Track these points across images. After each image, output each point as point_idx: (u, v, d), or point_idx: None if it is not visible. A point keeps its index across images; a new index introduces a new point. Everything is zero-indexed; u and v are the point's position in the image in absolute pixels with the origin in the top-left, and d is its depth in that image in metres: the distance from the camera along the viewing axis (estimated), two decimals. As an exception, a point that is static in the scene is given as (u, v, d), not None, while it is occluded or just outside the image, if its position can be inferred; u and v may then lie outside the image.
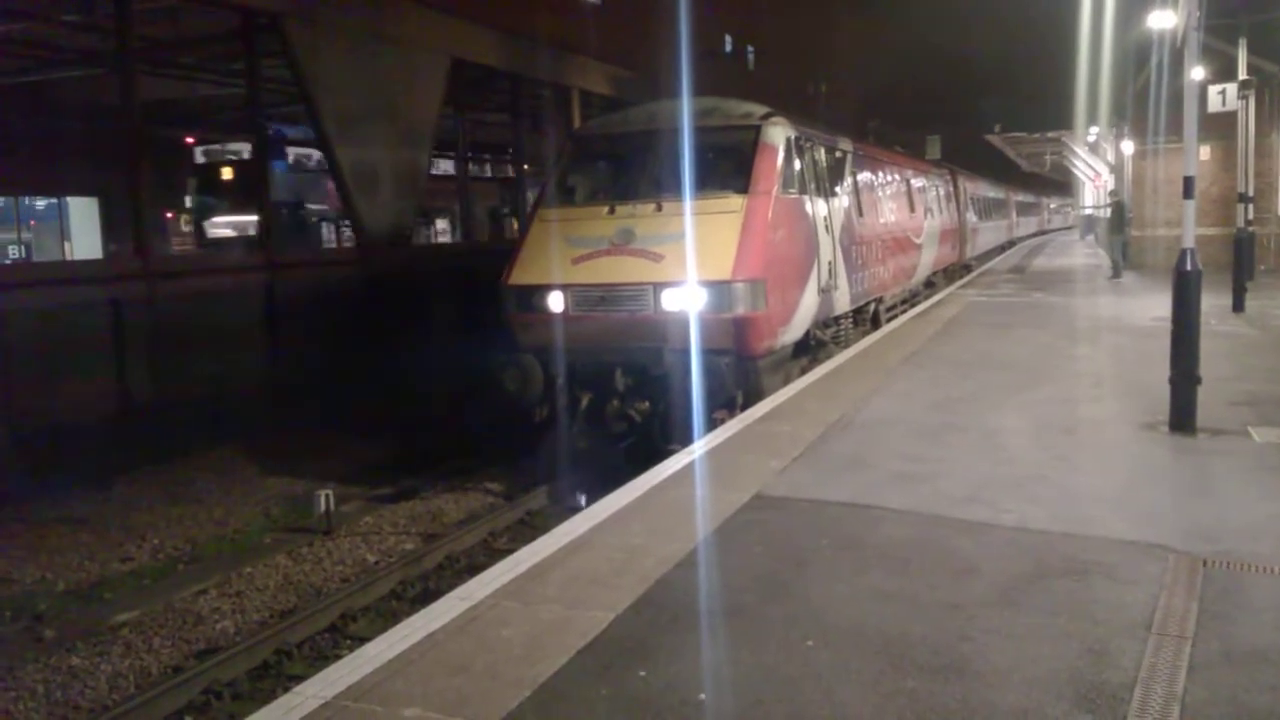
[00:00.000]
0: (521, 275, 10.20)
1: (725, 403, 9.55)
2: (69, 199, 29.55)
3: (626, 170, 10.83)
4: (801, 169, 11.01)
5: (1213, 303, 13.87)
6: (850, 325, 13.21)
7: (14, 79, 20.72)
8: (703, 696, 3.72)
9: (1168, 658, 3.92)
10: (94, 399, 11.79)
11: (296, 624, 7.39)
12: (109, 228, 27.76)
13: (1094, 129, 36.56)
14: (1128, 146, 27.63)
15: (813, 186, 11.35)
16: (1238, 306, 15.30)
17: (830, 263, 11.53)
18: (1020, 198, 49.00)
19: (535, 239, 10.40)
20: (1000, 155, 53.38)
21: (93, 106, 21.88)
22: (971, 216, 27.41)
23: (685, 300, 9.40)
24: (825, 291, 11.36)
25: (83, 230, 29.67)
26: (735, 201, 9.84)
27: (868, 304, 14.26)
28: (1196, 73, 8.50)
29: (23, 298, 11.30)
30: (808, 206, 11.05)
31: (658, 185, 10.17)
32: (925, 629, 4.23)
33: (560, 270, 9.88)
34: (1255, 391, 9.11)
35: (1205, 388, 7.78)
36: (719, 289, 9.35)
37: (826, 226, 11.58)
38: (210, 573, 8.77)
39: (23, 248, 29.71)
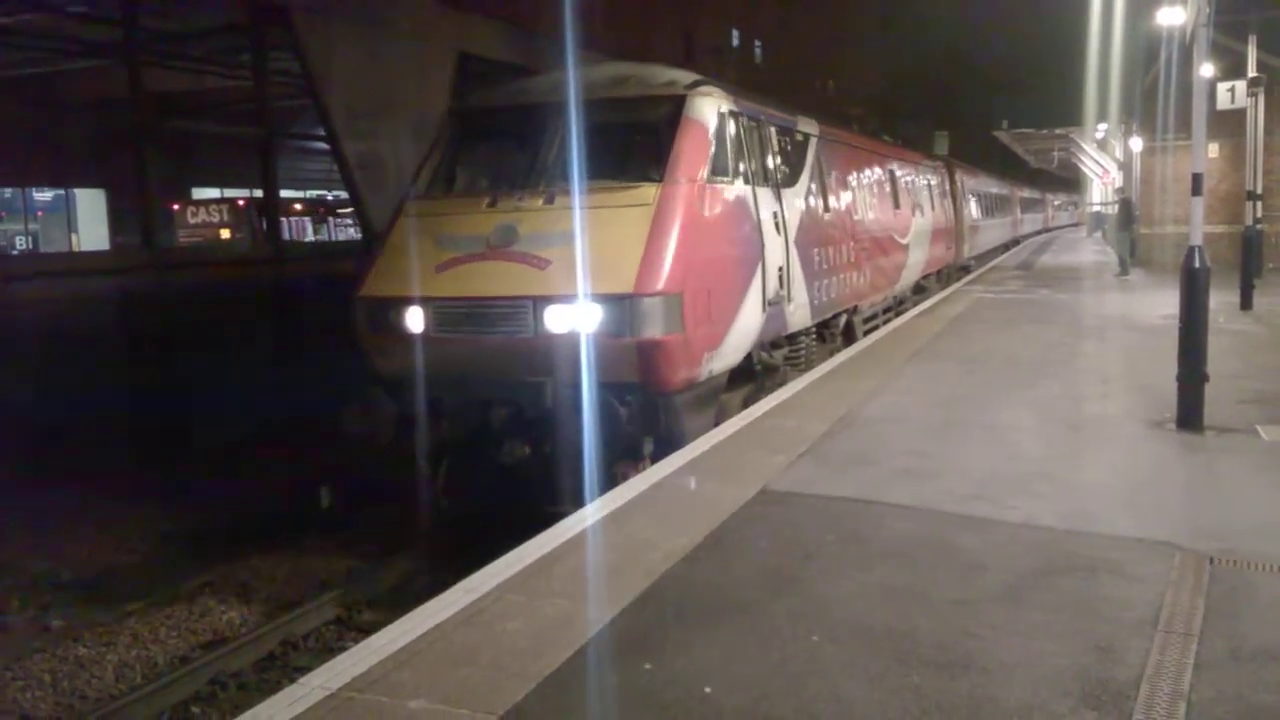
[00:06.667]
0: (375, 285, 8.22)
1: (629, 452, 7.65)
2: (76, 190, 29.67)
3: (516, 153, 8.84)
4: (742, 152, 8.98)
5: (1221, 300, 13.87)
6: (813, 343, 11.12)
7: (21, 71, 20.75)
8: (708, 690, 3.72)
9: (1174, 655, 3.91)
10: (101, 391, 11.80)
11: (303, 615, 7.42)
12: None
13: (1102, 126, 36.50)
14: (1136, 143, 27.56)
15: (758, 174, 9.28)
16: (1246, 304, 15.27)
17: (781, 269, 9.46)
18: (1026, 194, 48.54)
19: (397, 240, 8.44)
20: (1008, 152, 53.32)
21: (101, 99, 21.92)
22: (970, 213, 25.90)
23: (576, 320, 7.41)
24: (774, 304, 9.25)
25: (89, 222, 29.79)
26: (646, 192, 7.82)
27: (837, 316, 12.21)
28: (1206, 70, 8.48)
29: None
30: (749, 199, 8.93)
31: (551, 172, 8.20)
32: (931, 625, 4.22)
33: (421, 279, 7.92)
34: (1263, 390, 9.08)
35: (1213, 385, 7.76)
36: (620, 305, 7.34)
37: (777, 224, 9.49)
38: (216, 564, 8.78)
39: (29, 238, 29.83)
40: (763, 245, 9.05)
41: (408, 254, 8.16)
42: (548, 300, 7.45)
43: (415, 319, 7.87)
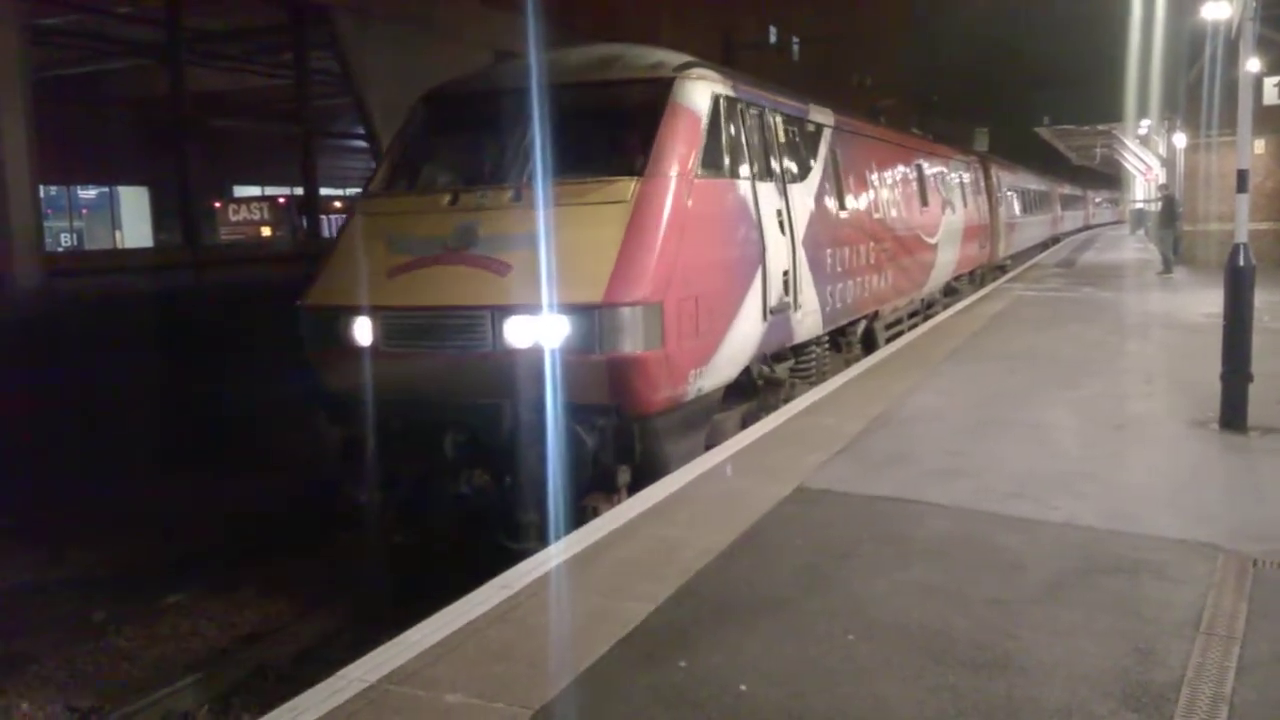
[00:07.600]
0: (322, 293, 7.33)
1: (601, 482, 6.72)
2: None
3: (486, 145, 7.98)
4: (741, 143, 8.09)
5: (1266, 299, 13.62)
6: (825, 353, 10.21)
7: (67, 70, 21.08)
8: (743, 688, 3.72)
9: (1216, 658, 3.86)
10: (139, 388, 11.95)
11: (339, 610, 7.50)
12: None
13: (1145, 122, 36.03)
14: (1180, 140, 27.19)
15: (760, 168, 8.38)
16: (1292, 303, 15.03)
17: (787, 273, 8.54)
18: (1066, 190, 47.84)
19: (349, 242, 7.57)
20: (1050, 148, 52.82)
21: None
22: (1007, 211, 24.88)
23: (539, 333, 6.52)
24: (778, 312, 8.34)
25: (133, 219, 30.26)
26: (624, 187, 6.88)
27: (854, 323, 11.31)
28: (1252, 64, 8.34)
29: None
30: (748, 196, 8.02)
31: (522, 165, 7.28)
32: (969, 624, 4.19)
33: (370, 286, 7.06)
34: (1309, 389, 8.92)
35: (1257, 385, 7.63)
36: (589, 317, 6.43)
37: (782, 223, 8.56)
38: (255, 558, 8.87)
39: (74, 235, 30.34)
40: (764, 247, 8.14)
41: (357, 258, 7.34)
42: (508, 310, 6.59)
43: (363, 331, 7.03)
